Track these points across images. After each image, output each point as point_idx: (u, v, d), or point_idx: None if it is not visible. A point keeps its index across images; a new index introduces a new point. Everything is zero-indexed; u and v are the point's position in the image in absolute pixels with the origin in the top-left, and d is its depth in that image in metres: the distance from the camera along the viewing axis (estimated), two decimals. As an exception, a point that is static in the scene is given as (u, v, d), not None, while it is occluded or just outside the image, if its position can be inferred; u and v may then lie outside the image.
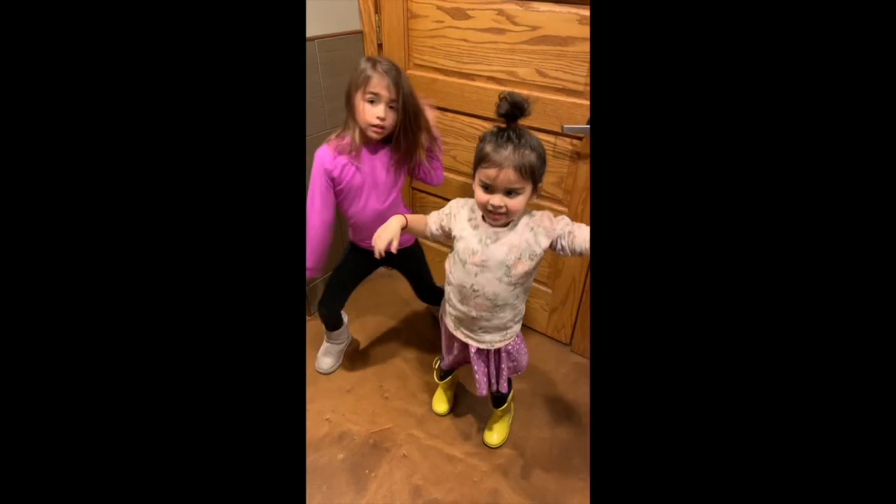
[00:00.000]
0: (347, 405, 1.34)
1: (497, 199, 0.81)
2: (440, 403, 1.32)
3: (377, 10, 1.38)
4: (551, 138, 1.25)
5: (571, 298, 1.44)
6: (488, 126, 1.34)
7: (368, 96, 1.02)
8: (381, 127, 1.05)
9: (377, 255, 0.88)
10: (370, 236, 0.91)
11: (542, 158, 0.83)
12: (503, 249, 0.88)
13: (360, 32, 1.42)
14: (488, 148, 0.80)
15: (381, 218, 1.01)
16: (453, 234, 0.94)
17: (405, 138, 1.09)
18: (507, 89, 1.24)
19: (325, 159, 1.09)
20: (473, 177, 0.86)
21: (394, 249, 0.87)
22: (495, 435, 1.23)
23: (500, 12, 1.18)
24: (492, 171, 0.80)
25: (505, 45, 1.21)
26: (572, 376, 1.44)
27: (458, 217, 0.94)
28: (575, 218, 1.30)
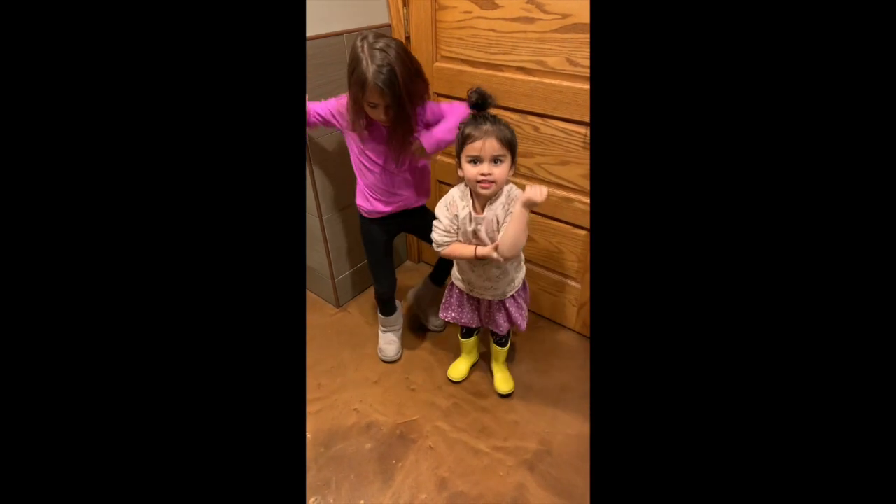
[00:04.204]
0: (375, 396, 1.35)
1: (486, 167, 0.96)
2: (458, 367, 1.40)
3: (405, 3, 1.37)
4: (582, 129, 1.22)
5: (601, 293, 1.41)
6: (516, 118, 1.32)
7: (370, 102, 1.03)
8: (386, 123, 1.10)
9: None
10: (384, 196, 1.21)
11: (513, 135, 0.98)
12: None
13: (389, 25, 1.42)
14: (469, 129, 0.96)
15: (393, 180, 1.20)
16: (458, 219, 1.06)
17: (400, 125, 1.08)
18: (536, 80, 1.23)
19: (326, 107, 1.17)
20: (459, 161, 1.00)
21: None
22: (504, 383, 1.35)
23: (530, 0, 1.15)
24: (477, 143, 0.95)
25: (534, 34, 1.18)
26: (601, 373, 1.41)
27: (453, 208, 1.06)
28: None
